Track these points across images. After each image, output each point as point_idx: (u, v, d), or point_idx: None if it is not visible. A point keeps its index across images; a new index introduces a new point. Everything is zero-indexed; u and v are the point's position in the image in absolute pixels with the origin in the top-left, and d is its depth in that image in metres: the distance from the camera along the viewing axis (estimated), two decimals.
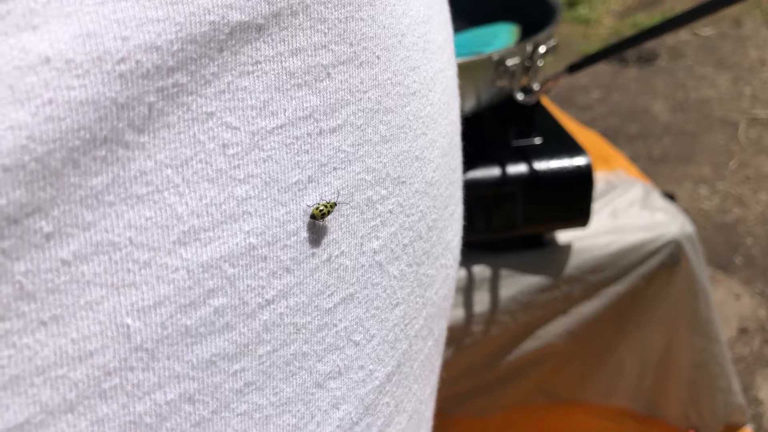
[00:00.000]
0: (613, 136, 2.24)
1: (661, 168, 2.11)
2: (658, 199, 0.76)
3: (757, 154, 2.15)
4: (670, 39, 2.90)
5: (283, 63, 0.19)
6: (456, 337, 0.69)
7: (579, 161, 0.66)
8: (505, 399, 0.77)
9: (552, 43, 0.62)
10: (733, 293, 1.68)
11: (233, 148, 0.18)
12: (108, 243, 0.16)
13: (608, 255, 0.71)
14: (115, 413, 0.16)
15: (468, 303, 0.68)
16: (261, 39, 0.18)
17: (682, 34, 2.93)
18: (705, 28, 2.96)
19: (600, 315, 0.73)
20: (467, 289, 0.68)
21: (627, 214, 0.74)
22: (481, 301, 0.69)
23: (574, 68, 0.61)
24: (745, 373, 1.48)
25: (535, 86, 0.63)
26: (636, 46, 0.58)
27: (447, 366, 0.71)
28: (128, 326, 0.16)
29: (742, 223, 1.88)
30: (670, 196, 0.79)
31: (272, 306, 0.19)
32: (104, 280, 0.16)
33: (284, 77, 0.19)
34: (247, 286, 0.19)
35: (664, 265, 0.72)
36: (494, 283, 0.69)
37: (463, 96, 0.63)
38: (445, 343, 0.68)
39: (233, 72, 0.18)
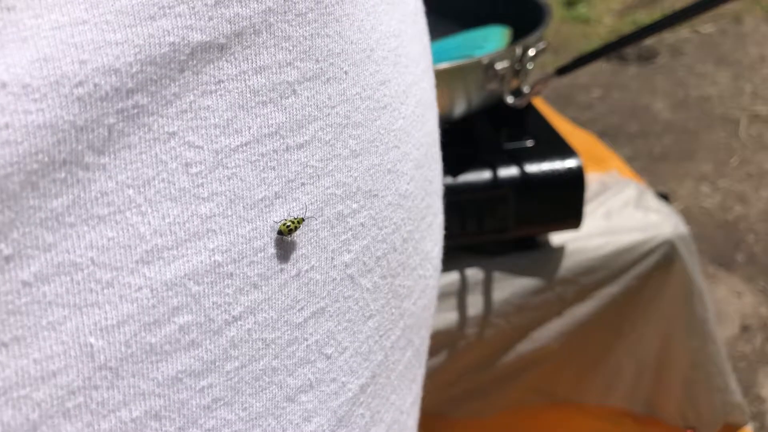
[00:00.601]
0: (613, 134, 2.23)
1: (662, 166, 2.10)
2: (651, 200, 0.76)
3: (758, 151, 2.15)
4: (669, 37, 2.90)
5: (247, 81, 0.19)
6: (450, 340, 0.69)
7: (570, 163, 0.66)
8: (501, 400, 0.77)
9: (541, 45, 0.62)
10: (734, 291, 1.68)
11: (196, 167, 0.18)
12: (70, 264, 0.16)
13: (602, 256, 0.71)
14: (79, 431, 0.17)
15: (461, 306, 0.68)
16: (223, 58, 0.18)
17: (682, 32, 2.93)
18: (705, 26, 2.95)
19: (594, 316, 0.73)
20: (460, 293, 0.68)
21: (620, 215, 0.74)
22: (475, 304, 0.69)
23: (563, 71, 0.61)
24: (748, 371, 1.48)
25: (525, 89, 0.63)
26: (627, 46, 0.58)
27: (442, 369, 0.71)
28: (92, 345, 0.17)
29: (744, 221, 1.87)
30: (664, 196, 0.79)
31: (239, 322, 0.20)
32: (66, 300, 0.16)
33: (248, 95, 0.19)
34: (213, 303, 0.19)
35: (658, 265, 0.72)
36: (487, 286, 0.69)
37: (453, 100, 0.64)
38: (439, 346, 0.68)
39: (195, 92, 0.18)
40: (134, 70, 0.16)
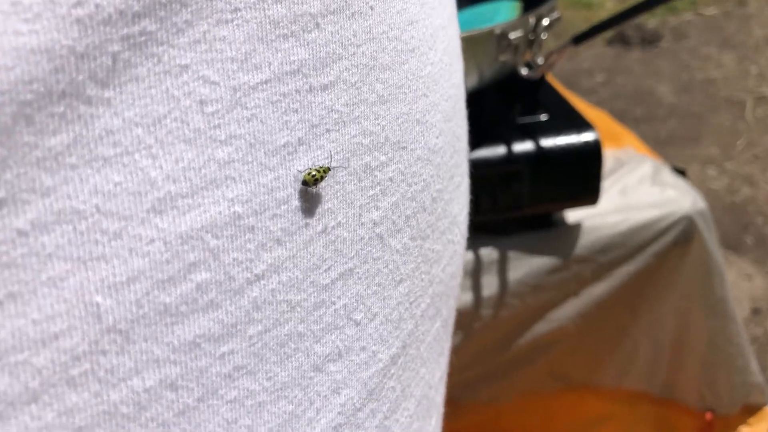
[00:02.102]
0: (618, 119, 2.20)
1: (668, 150, 2.08)
2: (668, 175, 0.75)
3: (765, 132, 2.13)
4: (673, 19, 2.87)
5: (266, 11, 0.17)
6: (465, 322, 0.68)
7: (587, 137, 0.64)
8: (516, 385, 0.75)
9: (555, 15, 0.61)
10: (744, 274, 1.66)
11: (212, 106, 0.16)
12: (72, 211, 0.14)
13: (619, 234, 0.69)
14: (86, 402, 0.15)
15: (476, 287, 0.67)
16: None
17: (685, 15, 2.90)
18: (709, 8, 2.93)
19: (612, 296, 0.72)
20: (475, 273, 0.67)
21: (637, 191, 0.72)
22: (490, 285, 0.67)
23: (579, 39, 0.59)
24: (759, 353, 1.47)
25: (539, 60, 0.61)
26: (642, 14, 0.56)
27: (456, 352, 0.69)
28: (98, 305, 0.15)
29: (752, 203, 1.86)
30: (681, 172, 0.77)
31: (262, 281, 0.18)
32: (68, 252, 0.14)
33: (268, 27, 0.17)
34: (233, 259, 0.17)
35: (676, 242, 0.71)
36: (502, 266, 0.67)
37: (465, 72, 0.62)
38: (454, 328, 0.66)
39: (209, 20, 0.16)
40: None
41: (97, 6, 0.14)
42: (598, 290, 0.72)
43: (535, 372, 0.76)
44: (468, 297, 0.67)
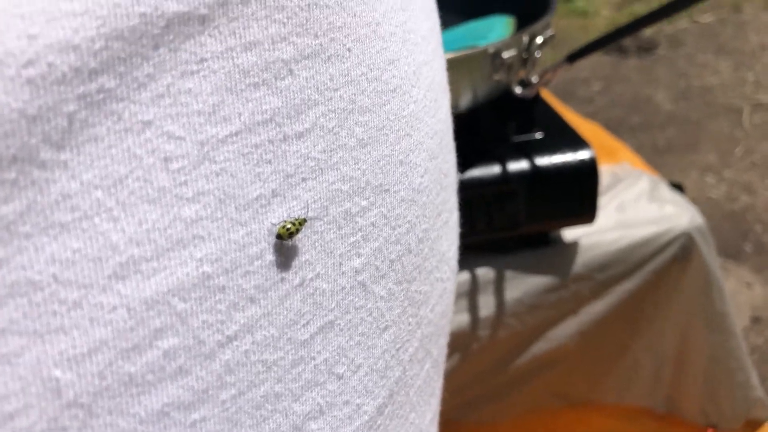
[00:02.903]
0: (616, 127, 2.21)
1: (666, 158, 2.08)
2: (665, 191, 0.74)
3: (762, 139, 2.12)
4: (669, 27, 2.87)
5: (235, 59, 0.16)
6: (462, 342, 0.67)
7: (583, 155, 0.63)
8: (515, 404, 0.75)
9: (549, 33, 0.60)
10: (744, 282, 1.66)
11: (178, 162, 0.15)
12: (26, 282, 0.13)
13: (617, 251, 0.69)
14: None
15: (473, 307, 0.66)
16: (206, 32, 0.16)
17: (682, 22, 2.90)
18: (704, 15, 2.93)
19: (611, 313, 0.71)
20: (471, 293, 0.66)
21: (634, 207, 0.72)
22: (487, 305, 0.67)
23: (573, 57, 0.59)
24: (760, 363, 1.46)
25: (534, 78, 0.61)
26: (637, 32, 0.56)
27: (454, 373, 0.68)
28: (57, 379, 0.14)
29: (751, 210, 1.85)
30: (678, 187, 0.77)
31: (235, 343, 0.17)
32: (24, 326, 0.13)
33: (237, 76, 0.16)
34: (203, 322, 0.16)
35: (675, 258, 0.70)
36: (499, 285, 0.66)
37: (459, 91, 0.62)
38: (451, 349, 0.65)
39: (173, 72, 0.15)
40: (97, 46, 0.14)
41: (49, 65, 0.13)
42: (597, 308, 0.71)
43: (535, 391, 0.75)
44: (465, 318, 0.67)
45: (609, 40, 0.58)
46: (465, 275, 0.66)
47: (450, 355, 0.67)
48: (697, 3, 0.51)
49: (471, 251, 0.67)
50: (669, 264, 0.70)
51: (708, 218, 1.66)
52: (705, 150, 2.11)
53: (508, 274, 0.67)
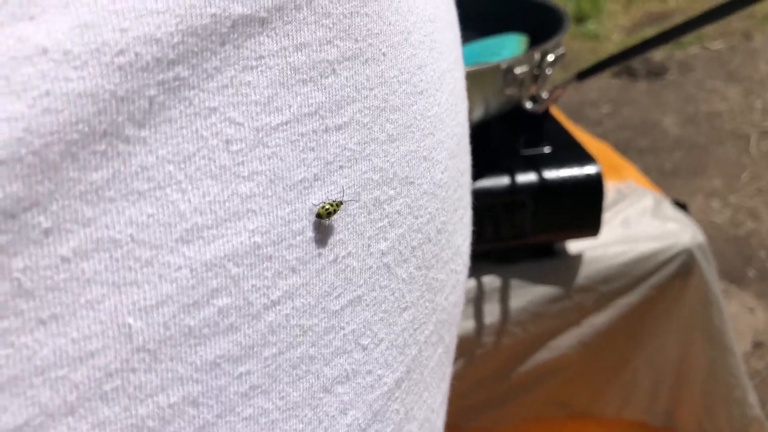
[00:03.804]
0: (623, 149, 2.23)
1: (672, 181, 2.09)
2: (669, 209, 0.76)
3: None
4: (679, 53, 2.90)
5: (288, 58, 0.19)
6: (467, 348, 0.69)
7: (589, 170, 0.65)
8: (517, 411, 0.76)
9: (560, 51, 0.62)
10: (746, 307, 1.66)
11: (237, 144, 0.18)
12: (109, 240, 0.16)
13: (620, 265, 0.70)
14: (116, 416, 0.16)
15: (478, 314, 0.68)
16: (264, 33, 0.18)
17: (692, 48, 2.93)
18: (714, 42, 2.96)
19: (612, 326, 0.72)
20: (477, 300, 0.68)
21: (638, 223, 0.73)
22: (492, 312, 0.68)
23: (583, 75, 0.61)
24: (761, 387, 1.46)
25: (544, 94, 0.63)
26: (647, 52, 0.58)
27: (458, 378, 0.70)
28: (130, 326, 0.16)
29: (756, 236, 1.86)
30: (682, 206, 0.79)
31: (278, 307, 0.19)
32: (105, 278, 0.16)
33: (289, 72, 0.19)
34: (252, 286, 0.18)
35: (676, 274, 0.71)
36: (504, 294, 0.68)
37: (471, 104, 0.63)
38: (456, 354, 0.67)
39: (236, 66, 0.17)
40: (175, 40, 0.16)
41: (137, 54, 0.15)
42: (599, 320, 0.72)
43: (536, 399, 0.76)
44: (470, 324, 0.68)
45: (618, 60, 0.60)
46: (471, 282, 0.67)
47: (454, 360, 0.68)
48: (702, 27, 0.53)
49: (478, 259, 0.68)
50: (670, 279, 0.72)
51: (712, 242, 1.67)
52: (711, 175, 2.12)
53: (514, 282, 0.68)
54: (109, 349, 0.16)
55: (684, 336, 0.75)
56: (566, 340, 0.72)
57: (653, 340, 0.75)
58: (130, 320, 0.16)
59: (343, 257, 0.21)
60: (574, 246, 0.71)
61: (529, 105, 0.64)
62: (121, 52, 0.15)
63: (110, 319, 0.16)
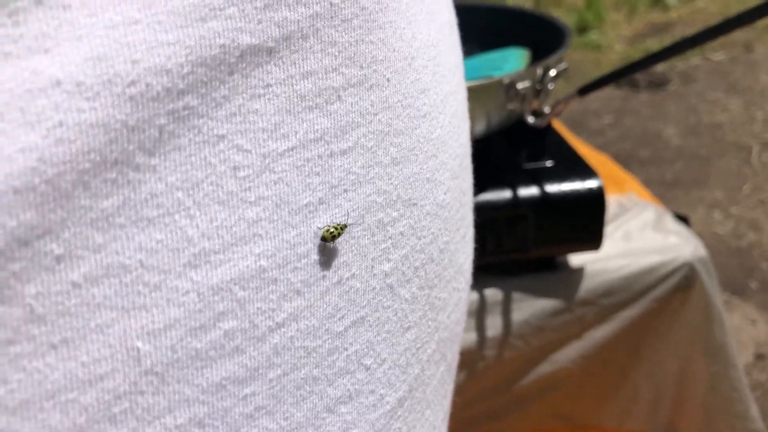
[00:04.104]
0: (625, 160, 2.23)
1: (674, 192, 2.10)
2: (670, 222, 0.76)
3: None
4: (681, 64, 2.91)
5: (294, 86, 0.19)
6: (468, 361, 0.69)
7: (591, 184, 0.65)
8: (518, 424, 0.76)
9: (562, 66, 0.63)
10: (748, 318, 1.66)
11: (244, 171, 0.18)
12: (119, 265, 0.16)
13: (621, 278, 0.70)
14: None
15: (480, 327, 0.68)
16: (272, 62, 0.18)
17: (694, 59, 2.94)
18: (716, 53, 2.96)
19: (614, 339, 0.72)
20: (479, 313, 0.68)
21: (640, 237, 0.74)
22: (494, 325, 0.68)
23: (584, 91, 0.61)
24: (763, 399, 1.46)
25: (546, 109, 0.63)
26: (647, 68, 0.58)
27: (460, 390, 0.70)
28: (138, 349, 0.16)
29: (757, 248, 1.86)
30: (684, 219, 0.79)
31: (282, 329, 0.19)
32: (115, 302, 0.16)
33: (295, 100, 0.19)
34: (258, 308, 0.19)
35: (677, 288, 0.72)
36: (506, 307, 0.68)
37: (474, 119, 0.64)
38: (458, 367, 0.67)
39: (244, 95, 0.18)
40: (185, 71, 0.16)
41: (147, 85, 0.16)
42: (600, 333, 0.72)
43: (538, 412, 0.76)
44: (472, 337, 0.68)
45: (619, 75, 0.60)
46: (474, 295, 0.68)
47: (456, 372, 0.68)
48: (705, 42, 0.54)
49: (481, 272, 0.69)
50: (671, 293, 0.72)
51: (714, 254, 1.68)
52: (713, 186, 2.12)
53: (516, 296, 0.68)
54: (118, 372, 0.16)
55: (685, 349, 0.75)
56: (567, 353, 0.72)
57: (654, 354, 0.75)
58: (139, 344, 0.16)
59: (347, 279, 0.21)
60: (575, 259, 0.71)
61: (531, 119, 0.64)
62: (132, 83, 0.15)
63: (119, 342, 0.16)
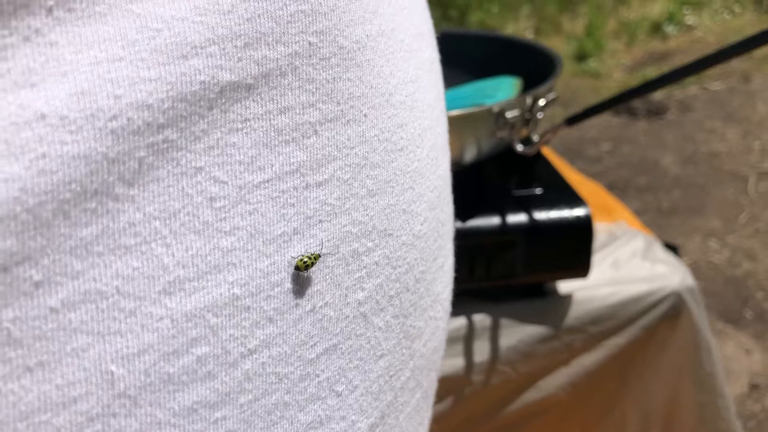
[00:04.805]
0: (622, 188, 2.24)
1: (670, 220, 2.10)
2: (659, 251, 0.76)
3: (767, 207, 2.15)
4: (679, 93, 2.93)
5: (272, 120, 0.20)
6: (455, 386, 0.69)
7: (579, 212, 0.66)
8: None
9: (551, 96, 0.64)
10: (743, 348, 1.65)
11: (220, 201, 0.19)
12: (95, 292, 0.17)
13: (609, 306, 0.71)
14: None
15: (468, 352, 0.68)
16: (250, 98, 0.19)
17: (691, 89, 2.96)
18: (714, 83, 2.98)
19: (602, 367, 0.72)
20: (467, 338, 0.68)
21: (628, 265, 0.74)
22: (481, 351, 0.69)
23: (572, 121, 0.62)
24: (757, 431, 1.45)
25: (535, 138, 0.64)
26: (636, 98, 0.59)
27: (446, 416, 0.70)
28: (112, 373, 0.17)
29: (753, 277, 1.86)
30: (673, 248, 0.79)
31: (254, 355, 0.20)
32: (91, 327, 0.17)
33: (272, 134, 0.20)
34: (230, 335, 0.19)
35: (665, 317, 0.72)
36: (494, 333, 0.68)
37: (464, 146, 0.65)
38: (444, 393, 0.67)
39: (222, 128, 0.19)
40: (166, 106, 0.17)
41: (128, 119, 0.16)
42: (588, 360, 0.72)
43: None
44: (459, 362, 0.69)
45: (606, 106, 0.61)
46: (462, 320, 0.68)
47: (443, 397, 0.68)
48: (698, 72, 0.54)
49: (469, 298, 0.69)
50: (659, 322, 0.72)
51: (709, 283, 1.67)
52: (709, 215, 2.13)
53: (504, 321, 0.69)
54: (92, 395, 0.17)
55: (673, 379, 0.75)
56: (555, 380, 0.72)
57: (642, 382, 0.75)
58: (113, 367, 0.17)
59: (320, 307, 0.22)
60: (564, 286, 0.71)
61: (520, 148, 0.65)
62: (114, 117, 0.16)
63: (94, 366, 0.17)
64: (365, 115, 0.23)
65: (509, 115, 0.62)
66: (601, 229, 0.79)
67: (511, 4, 3.95)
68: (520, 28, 3.76)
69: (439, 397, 0.65)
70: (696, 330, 0.73)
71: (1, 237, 0.15)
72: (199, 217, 0.18)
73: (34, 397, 0.16)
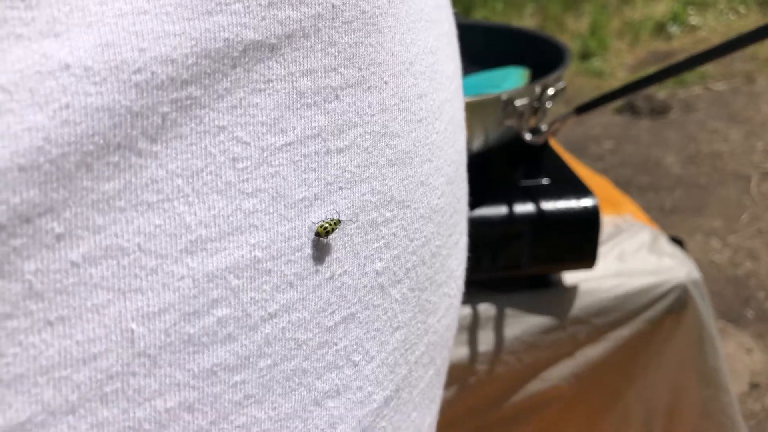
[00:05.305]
0: (624, 186, 2.24)
1: (672, 219, 2.10)
2: (665, 244, 0.76)
3: None
4: (682, 92, 2.93)
5: (294, 83, 0.20)
6: (460, 376, 0.69)
7: (586, 202, 0.66)
8: None
9: (560, 85, 0.63)
10: (744, 347, 1.66)
11: (243, 162, 0.18)
12: (117, 248, 0.16)
13: (614, 298, 0.71)
14: (115, 417, 0.17)
15: (472, 341, 0.68)
16: (273, 58, 0.19)
17: (695, 89, 2.96)
18: (717, 83, 2.99)
19: (606, 358, 0.72)
20: (472, 328, 0.68)
21: (634, 258, 0.74)
22: (486, 340, 0.69)
23: (582, 109, 0.62)
24: (756, 429, 1.45)
25: (543, 127, 0.64)
26: (642, 89, 0.59)
27: (450, 406, 0.70)
28: (132, 331, 0.17)
29: (754, 277, 1.86)
30: (679, 242, 0.79)
31: (274, 320, 0.20)
32: (111, 284, 0.16)
33: (294, 96, 0.20)
34: (251, 298, 0.19)
35: (670, 310, 0.72)
36: (499, 323, 0.68)
37: (471, 134, 0.65)
38: (449, 382, 0.67)
39: (245, 88, 0.18)
40: (190, 61, 0.17)
41: (152, 73, 0.16)
42: (592, 352, 0.72)
43: (528, 430, 0.76)
44: (464, 351, 0.69)
45: (616, 96, 0.61)
46: (467, 310, 0.68)
47: (448, 386, 0.69)
48: (697, 66, 0.54)
49: (474, 287, 0.69)
50: (664, 315, 0.72)
51: (711, 282, 1.67)
52: (711, 214, 2.13)
53: (509, 312, 0.69)
54: (112, 353, 0.16)
55: (677, 373, 0.75)
56: (559, 371, 0.72)
57: (646, 376, 0.75)
58: (133, 326, 0.17)
59: (339, 275, 0.22)
60: (569, 277, 0.71)
61: (528, 137, 0.65)
62: (138, 71, 0.16)
63: (114, 323, 0.16)
64: (386, 83, 0.22)
65: (518, 103, 0.62)
66: (607, 221, 0.79)
67: (515, 1, 3.95)
68: (523, 26, 3.76)
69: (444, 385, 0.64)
70: (701, 324, 0.73)
71: (24, 187, 0.14)
72: (221, 177, 0.18)
73: (54, 352, 0.15)
